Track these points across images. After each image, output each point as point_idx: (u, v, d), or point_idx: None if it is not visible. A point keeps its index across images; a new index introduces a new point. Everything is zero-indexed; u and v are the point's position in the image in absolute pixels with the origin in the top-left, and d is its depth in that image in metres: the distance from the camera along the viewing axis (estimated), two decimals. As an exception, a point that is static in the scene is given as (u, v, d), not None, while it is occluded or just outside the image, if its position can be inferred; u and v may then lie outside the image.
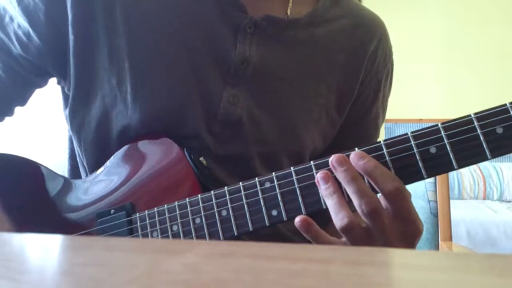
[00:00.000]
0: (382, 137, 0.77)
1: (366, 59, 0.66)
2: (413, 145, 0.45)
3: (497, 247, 2.36)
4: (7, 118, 0.68)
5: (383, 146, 0.46)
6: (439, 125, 0.44)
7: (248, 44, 0.59)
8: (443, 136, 0.44)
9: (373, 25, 0.68)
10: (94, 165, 0.61)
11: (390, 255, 0.24)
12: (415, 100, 3.40)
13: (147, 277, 0.19)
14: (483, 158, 0.43)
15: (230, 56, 0.58)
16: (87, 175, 0.63)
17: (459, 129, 0.43)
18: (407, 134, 0.45)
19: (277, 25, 0.60)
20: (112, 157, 0.59)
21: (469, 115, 0.43)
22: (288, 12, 0.63)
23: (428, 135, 0.44)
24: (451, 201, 1.26)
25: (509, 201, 3.03)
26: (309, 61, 0.63)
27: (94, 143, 0.60)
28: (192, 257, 0.21)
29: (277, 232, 0.63)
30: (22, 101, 0.67)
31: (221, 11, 0.59)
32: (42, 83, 0.66)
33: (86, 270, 0.20)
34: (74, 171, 0.69)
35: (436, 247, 1.16)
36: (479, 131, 0.43)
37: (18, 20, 0.59)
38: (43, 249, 0.26)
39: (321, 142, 0.65)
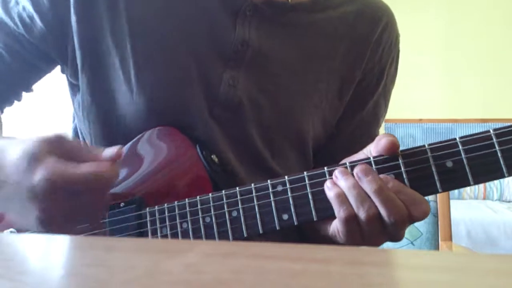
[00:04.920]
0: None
1: (369, 47, 0.66)
2: (430, 157, 0.44)
3: (497, 247, 2.36)
4: (16, 103, 0.68)
5: (399, 157, 0.45)
6: (457, 139, 0.44)
7: (247, 26, 0.59)
8: (461, 150, 0.43)
9: (379, 12, 0.67)
10: None
11: (390, 255, 0.24)
12: (415, 100, 3.40)
13: (148, 277, 0.19)
14: (499, 175, 0.42)
15: (230, 38, 0.59)
16: None
17: (477, 144, 0.43)
18: (424, 146, 0.45)
19: (277, 9, 0.61)
20: (123, 149, 0.59)
21: (488, 131, 0.43)
22: None
23: (445, 149, 0.44)
24: (451, 201, 1.26)
25: (509, 201, 3.03)
26: (309, 46, 0.63)
27: (103, 128, 0.61)
28: (192, 257, 0.21)
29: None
30: (28, 86, 0.67)
31: None
32: (46, 68, 0.66)
33: (88, 270, 0.20)
34: None
35: (436, 247, 1.15)
36: (497, 147, 0.42)
37: (23, 3, 0.60)
38: (44, 250, 0.26)
39: (320, 127, 0.65)
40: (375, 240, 0.47)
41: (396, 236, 0.46)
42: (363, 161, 0.46)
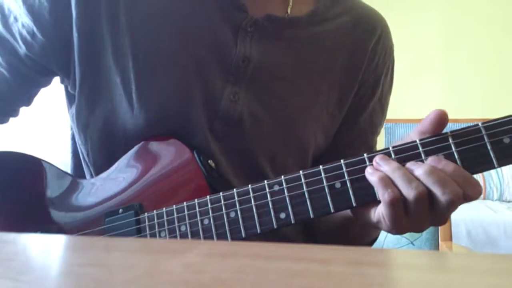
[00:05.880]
0: (381, 137, 0.77)
1: (366, 56, 0.66)
2: (421, 152, 0.45)
3: (497, 247, 2.36)
4: (11, 119, 0.68)
5: (391, 152, 0.46)
6: (448, 133, 0.45)
7: (248, 42, 0.59)
8: (451, 144, 0.44)
9: (373, 22, 0.68)
10: (101, 164, 0.61)
11: (390, 255, 0.24)
12: (415, 100, 3.40)
13: (148, 277, 0.19)
14: (490, 166, 0.44)
15: (231, 54, 0.59)
16: (91, 175, 0.64)
17: (467, 137, 0.44)
18: (415, 141, 0.46)
19: (278, 24, 0.61)
20: (122, 158, 0.59)
21: (477, 124, 0.44)
22: (289, 11, 0.63)
23: (436, 143, 0.45)
24: (451, 201, 1.25)
25: (509, 201, 3.03)
26: (309, 59, 0.63)
27: (101, 142, 0.61)
28: (192, 257, 0.21)
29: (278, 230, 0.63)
30: (27, 101, 0.68)
31: (221, 11, 0.59)
32: (46, 82, 0.66)
33: (87, 270, 0.20)
34: (77, 170, 0.69)
35: (436, 247, 1.15)
36: (486, 140, 0.43)
37: (23, 20, 0.59)
38: (44, 249, 0.26)
39: (323, 138, 0.66)
40: (421, 223, 0.46)
41: (442, 218, 0.46)
42: (408, 144, 0.46)
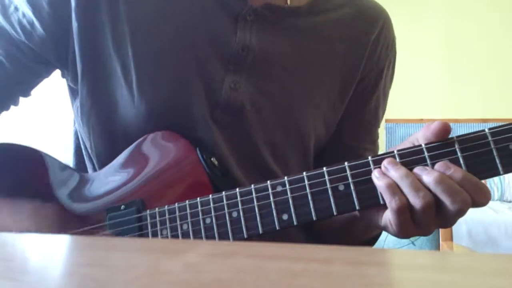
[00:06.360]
0: (381, 137, 0.77)
1: (367, 48, 0.66)
2: (426, 156, 0.45)
3: (498, 247, 2.36)
4: (12, 107, 0.68)
5: (396, 155, 0.46)
6: (454, 138, 0.45)
7: (248, 31, 0.60)
8: (457, 149, 0.44)
9: (375, 14, 0.68)
10: (104, 158, 0.61)
11: (390, 255, 0.24)
12: (416, 100, 3.40)
13: (148, 277, 0.19)
14: (495, 173, 0.43)
15: (230, 43, 0.59)
16: (94, 169, 0.64)
17: (473, 143, 0.44)
18: (421, 146, 0.45)
19: (277, 13, 0.61)
20: (123, 152, 0.59)
21: (483, 130, 0.44)
22: (288, 1, 0.63)
23: (442, 148, 0.45)
24: (452, 201, 1.25)
25: (510, 201, 3.03)
26: (309, 49, 0.64)
27: (103, 134, 0.61)
28: (193, 257, 0.21)
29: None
30: (26, 91, 0.68)
31: (220, 0, 0.60)
32: (45, 73, 0.66)
33: (87, 270, 0.20)
34: (80, 167, 0.69)
35: (437, 247, 1.15)
36: (492, 146, 0.43)
37: (23, 9, 0.60)
38: (44, 249, 0.26)
39: (323, 129, 0.66)
40: (428, 228, 0.46)
41: (451, 222, 0.46)
42: (413, 148, 0.46)
